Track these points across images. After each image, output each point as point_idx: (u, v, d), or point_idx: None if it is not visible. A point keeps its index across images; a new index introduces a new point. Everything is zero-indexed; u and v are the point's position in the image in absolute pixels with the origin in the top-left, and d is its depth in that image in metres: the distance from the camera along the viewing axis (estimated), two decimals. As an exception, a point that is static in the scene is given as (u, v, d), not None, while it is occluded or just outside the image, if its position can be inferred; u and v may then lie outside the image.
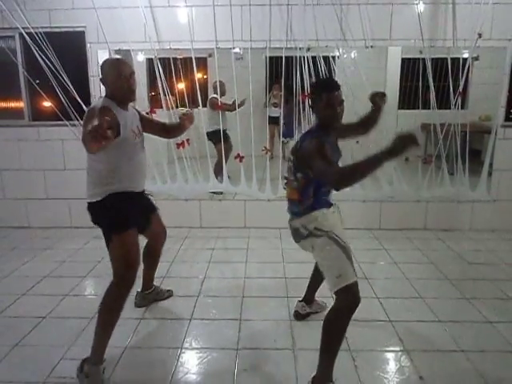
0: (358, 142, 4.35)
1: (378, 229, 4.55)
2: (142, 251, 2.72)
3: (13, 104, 4.69)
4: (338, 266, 1.99)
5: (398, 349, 2.41)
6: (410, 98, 5.78)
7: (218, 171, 4.77)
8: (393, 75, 5.02)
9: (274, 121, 5.34)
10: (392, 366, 2.26)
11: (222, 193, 4.71)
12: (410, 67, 5.06)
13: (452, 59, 4.12)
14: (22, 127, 4.59)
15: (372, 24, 4.12)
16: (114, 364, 2.25)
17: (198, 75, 4.35)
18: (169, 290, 3.08)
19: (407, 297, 3.05)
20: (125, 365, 2.27)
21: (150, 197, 2.68)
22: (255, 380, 2.17)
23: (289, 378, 2.16)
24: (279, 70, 4.23)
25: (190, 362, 2.32)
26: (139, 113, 2.50)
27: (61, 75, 4.10)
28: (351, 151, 3.73)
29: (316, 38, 4.12)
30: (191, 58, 4.20)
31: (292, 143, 4.62)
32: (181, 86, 4.42)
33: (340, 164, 2.27)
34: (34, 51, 4.08)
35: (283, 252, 3.90)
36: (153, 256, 2.84)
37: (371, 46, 4.18)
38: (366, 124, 2.48)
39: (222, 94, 4.95)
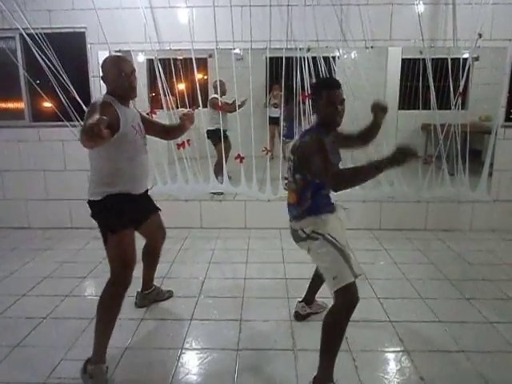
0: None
1: (378, 229, 4.55)
2: (141, 251, 2.75)
3: (13, 105, 4.69)
4: (334, 268, 1.99)
5: (398, 349, 2.40)
6: (410, 98, 5.77)
7: (218, 171, 4.77)
8: (393, 75, 5.01)
9: (274, 121, 5.34)
10: (392, 367, 2.26)
11: (222, 193, 4.71)
12: (411, 67, 5.06)
13: (452, 59, 4.12)
14: (22, 128, 4.59)
15: (372, 24, 4.12)
16: (114, 364, 2.25)
17: (199, 76, 4.35)
18: (169, 291, 3.08)
19: (407, 297, 3.05)
20: (125, 365, 2.27)
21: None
22: (256, 380, 2.17)
23: (289, 378, 2.16)
24: (279, 70, 4.24)
25: (191, 362, 2.31)
26: (140, 114, 2.51)
27: (61, 76, 4.10)
28: (351, 151, 3.74)
29: (316, 38, 4.12)
30: (191, 59, 4.21)
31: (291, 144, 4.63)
32: (181, 86, 4.42)
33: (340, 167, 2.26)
34: (35, 52, 4.09)
35: (283, 252, 3.90)
36: (152, 256, 2.84)
37: (371, 47, 4.18)
38: (365, 137, 2.46)
39: (223, 93, 4.95)
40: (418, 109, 4.40)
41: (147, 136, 2.50)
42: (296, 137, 2.29)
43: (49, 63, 4.08)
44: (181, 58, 4.29)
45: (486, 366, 2.24)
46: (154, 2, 4.17)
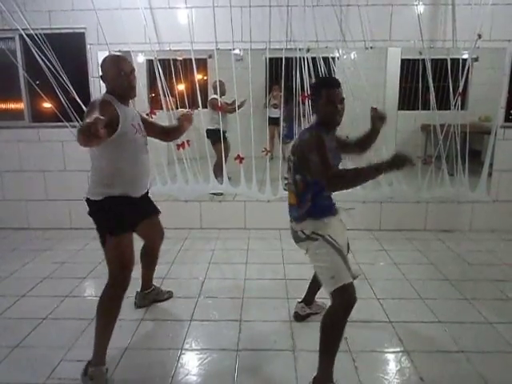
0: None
1: (378, 229, 4.55)
2: (139, 252, 2.75)
3: (13, 105, 4.70)
4: (332, 268, 1.99)
5: (398, 350, 2.40)
6: (409, 98, 5.77)
7: (218, 171, 4.77)
8: (392, 76, 5.01)
9: (273, 122, 5.34)
10: (392, 367, 2.26)
11: (222, 194, 4.71)
12: (410, 68, 5.06)
13: (452, 60, 4.12)
14: (22, 128, 4.59)
15: (372, 25, 4.12)
16: (114, 365, 2.25)
17: (198, 76, 4.35)
18: (169, 291, 3.08)
19: (407, 297, 3.05)
20: (125, 366, 2.27)
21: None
22: (255, 381, 2.17)
23: (289, 379, 2.16)
24: (279, 71, 4.24)
25: (190, 363, 2.31)
26: (140, 115, 2.51)
27: (61, 76, 4.10)
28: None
29: (316, 39, 4.12)
30: (191, 60, 4.21)
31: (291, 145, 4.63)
32: (181, 87, 4.42)
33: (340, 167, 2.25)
34: (34, 52, 4.08)
35: (283, 253, 3.90)
36: (150, 256, 2.84)
37: (371, 47, 4.19)
38: (363, 144, 2.45)
39: (222, 93, 4.95)
40: (418, 109, 4.40)
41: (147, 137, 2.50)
42: (296, 137, 2.29)
43: (48, 64, 4.08)
44: (180, 58, 4.29)
45: (486, 367, 2.23)
46: (154, 2, 4.17)
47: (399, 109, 5.48)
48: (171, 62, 4.24)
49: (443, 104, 4.42)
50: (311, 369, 2.03)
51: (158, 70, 4.20)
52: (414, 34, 4.07)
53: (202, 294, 3.12)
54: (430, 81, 4.13)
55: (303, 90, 4.19)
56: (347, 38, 4.15)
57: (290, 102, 4.47)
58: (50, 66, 4.08)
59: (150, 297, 2.96)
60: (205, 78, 7.14)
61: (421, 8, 4.06)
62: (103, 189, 2.22)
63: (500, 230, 4.48)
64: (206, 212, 4.65)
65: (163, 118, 4.27)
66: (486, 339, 2.51)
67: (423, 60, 4.14)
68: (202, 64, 6.56)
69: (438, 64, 4.46)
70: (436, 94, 4.22)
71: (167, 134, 2.75)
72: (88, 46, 4.31)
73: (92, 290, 3.25)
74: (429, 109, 4.27)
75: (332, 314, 1.97)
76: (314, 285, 2.68)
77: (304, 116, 4.27)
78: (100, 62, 2.31)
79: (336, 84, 2.09)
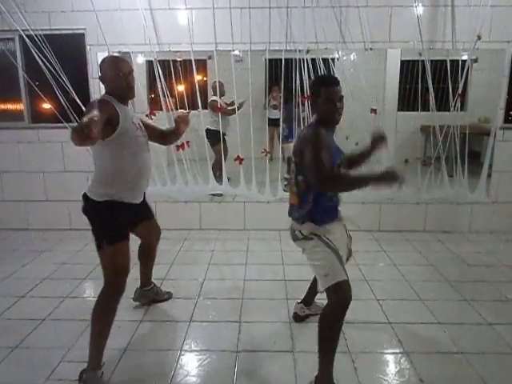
0: (357, 143, 4.37)
1: (378, 230, 4.55)
2: (137, 250, 2.76)
3: (12, 106, 4.70)
4: (325, 266, 2.01)
5: (397, 351, 2.40)
6: (409, 100, 5.78)
7: (216, 169, 4.78)
8: (392, 77, 5.01)
9: (273, 123, 5.35)
10: (392, 368, 2.26)
11: (221, 195, 4.71)
12: (410, 69, 5.06)
13: (451, 61, 4.13)
14: (21, 129, 4.59)
15: (371, 26, 4.13)
16: (113, 366, 2.25)
17: (198, 77, 4.36)
18: (168, 292, 3.08)
19: (406, 299, 3.05)
20: (124, 367, 2.27)
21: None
22: (255, 382, 2.17)
23: (288, 380, 2.16)
24: (279, 72, 4.25)
25: (190, 364, 2.31)
26: (140, 118, 2.52)
27: (60, 77, 4.10)
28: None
29: (315, 40, 4.13)
30: (191, 60, 4.21)
31: (291, 145, 4.63)
32: (180, 88, 4.43)
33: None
34: (34, 53, 4.08)
35: (283, 254, 3.90)
36: (148, 254, 2.85)
37: (370, 49, 4.19)
38: (350, 163, 2.31)
39: (222, 94, 4.96)
40: (417, 110, 4.40)
41: None
42: (295, 138, 2.28)
43: (48, 65, 4.08)
44: (180, 59, 4.30)
45: (486, 368, 2.23)
46: (154, 3, 4.18)
47: (399, 110, 5.47)
48: (171, 63, 4.24)
49: (443, 105, 4.43)
50: (311, 370, 2.03)
51: (158, 71, 4.20)
52: (414, 35, 4.08)
53: (202, 295, 3.11)
54: (429, 82, 4.13)
55: (303, 91, 4.20)
56: (347, 39, 4.15)
57: (290, 103, 4.47)
58: (50, 67, 4.08)
59: (149, 295, 2.96)
60: (204, 78, 7.16)
61: (420, 9, 4.07)
62: (104, 188, 2.21)
63: (499, 231, 4.49)
64: (206, 213, 4.65)
65: (163, 119, 4.28)
66: (485, 340, 2.51)
67: (423, 61, 4.14)
68: (202, 65, 6.58)
69: (438, 65, 4.47)
70: (435, 95, 4.23)
71: (165, 137, 2.75)
72: (88, 47, 4.31)
73: (91, 291, 3.24)
74: (428, 110, 4.28)
75: (328, 313, 1.98)
76: (315, 285, 2.67)
77: (304, 117, 4.28)
78: (99, 62, 2.32)
79: (335, 82, 2.09)
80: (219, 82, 4.84)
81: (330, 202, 2.13)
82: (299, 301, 2.75)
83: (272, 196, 4.50)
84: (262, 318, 2.76)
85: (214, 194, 4.71)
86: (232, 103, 5.22)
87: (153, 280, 3.00)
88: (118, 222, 2.23)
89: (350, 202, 4.24)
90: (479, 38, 4.02)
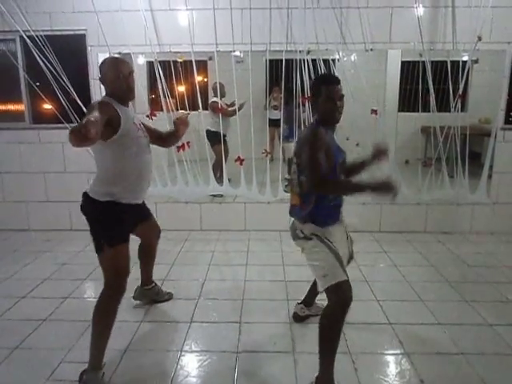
0: (357, 144, 4.38)
1: (378, 231, 4.55)
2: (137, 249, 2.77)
3: (13, 107, 4.70)
4: (325, 266, 2.00)
5: (398, 352, 2.40)
6: (409, 100, 5.79)
7: (216, 169, 4.77)
8: (393, 78, 5.02)
9: (274, 123, 5.35)
10: (392, 369, 2.26)
11: (222, 195, 4.71)
12: (410, 70, 5.08)
13: (452, 62, 4.13)
14: (22, 130, 4.60)
15: (372, 27, 4.13)
16: (113, 367, 2.25)
17: (199, 78, 4.36)
18: (169, 293, 3.08)
19: (407, 299, 3.05)
20: (124, 367, 2.27)
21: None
22: (255, 383, 2.16)
23: (289, 381, 2.16)
24: (279, 72, 4.24)
25: (190, 365, 2.31)
26: (140, 120, 2.52)
27: (61, 78, 4.11)
28: (351, 153, 3.73)
29: (316, 41, 4.13)
30: (191, 61, 4.21)
31: (292, 145, 4.63)
32: (181, 88, 4.43)
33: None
34: (35, 54, 4.09)
35: (283, 254, 3.90)
36: (147, 254, 2.86)
37: (371, 49, 4.19)
38: (353, 171, 2.30)
39: (222, 95, 4.96)
40: (418, 111, 4.40)
41: None
42: (296, 138, 2.29)
43: (49, 65, 4.09)
44: (181, 60, 4.30)
45: (486, 369, 2.23)
46: (154, 4, 4.18)
47: (399, 111, 5.49)
48: (171, 64, 4.25)
49: (443, 106, 4.43)
50: (311, 371, 2.03)
51: (159, 72, 4.20)
52: (414, 36, 4.08)
53: (202, 296, 3.11)
54: (430, 83, 4.13)
55: (303, 92, 4.20)
56: (347, 40, 4.15)
57: (291, 104, 4.48)
58: (51, 68, 4.09)
59: (150, 294, 2.96)
60: (205, 79, 7.17)
61: (421, 10, 4.07)
62: (106, 188, 2.21)
63: (500, 232, 4.48)
64: (206, 214, 4.65)
65: (163, 120, 4.28)
66: (485, 341, 2.51)
67: (423, 62, 4.14)
68: (203, 66, 6.59)
69: (438, 66, 4.47)
70: (436, 95, 4.23)
71: (165, 140, 2.74)
72: (88, 48, 4.32)
73: (92, 292, 3.24)
74: (429, 111, 4.28)
75: (329, 314, 1.97)
76: (315, 287, 2.67)
77: (304, 117, 4.28)
78: (99, 63, 2.32)
79: (335, 81, 2.09)
80: (220, 83, 4.85)
81: (332, 203, 2.12)
82: (299, 301, 2.75)
83: (273, 197, 4.50)
84: (263, 319, 2.76)
85: (214, 195, 4.71)
86: (232, 104, 5.23)
87: (154, 280, 3.00)
88: (119, 224, 2.23)
89: (350, 203, 4.29)
90: (480, 38, 4.02)
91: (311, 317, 2.71)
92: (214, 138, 4.98)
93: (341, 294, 1.95)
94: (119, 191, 2.23)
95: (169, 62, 4.27)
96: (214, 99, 5.27)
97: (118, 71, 2.21)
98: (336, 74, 4.36)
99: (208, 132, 5.28)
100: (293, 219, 2.23)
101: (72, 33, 4.31)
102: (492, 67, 4.67)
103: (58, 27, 4.25)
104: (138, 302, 2.94)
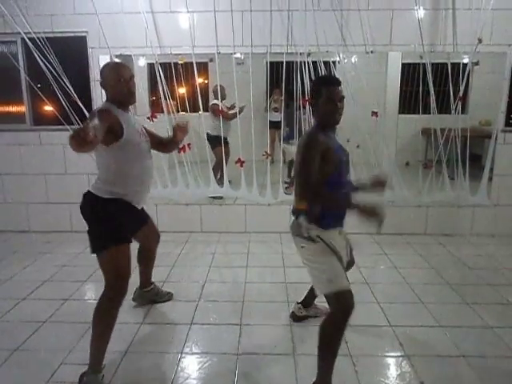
0: (358, 146, 4.38)
1: (379, 233, 4.53)
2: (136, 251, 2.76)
3: (14, 108, 4.71)
4: (330, 271, 1.98)
5: (398, 354, 2.40)
6: (410, 102, 5.79)
7: (217, 171, 4.77)
8: (393, 80, 5.02)
9: (274, 125, 5.35)
10: (393, 372, 2.26)
11: (222, 197, 4.71)
12: (411, 72, 5.08)
13: (452, 64, 4.13)
14: (23, 132, 4.60)
15: (372, 29, 4.13)
16: (113, 369, 2.25)
17: (199, 80, 4.36)
18: (169, 293, 3.08)
19: (408, 301, 3.04)
20: (125, 369, 2.27)
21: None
22: (255, 385, 2.17)
23: (289, 383, 2.15)
24: (280, 75, 4.25)
25: (191, 367, 2.31)
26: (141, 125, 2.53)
27: (62, 80, 4.11)
28: (351, 155, 3.73)
29: (317, 43, 4.13)
30: (192, 63, 4.22)
31: (292, 147, 4.63)
32: (182, 90, 4.43)
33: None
34: (36, 56, 4.10)
35: (284, 256, 3.90)
36: (147, 257, 2.87)
37: (371, 51, 4.19)
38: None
39: (223, 98, 4.96)
40: (418, 113, 4.41)
41: None
42: (296, 140, 2.29)
43: (50, 67, 4.09)
44: (181, 62, 4.30)
45: (487, 371, 2.23)
46: (155, 6, 4.19)
47: (400, 113, 5.49)
48: (172, 66, 4.25)
49: (444, 108, 4.42)
50: (311, 373, 2.02)
51: (159, 74, 4.21)
52: (415, 38, 4.08)
53: (203, 298, 3.11)
54: (430, 85, 4.13)
55: (304, 94, 4.20)
56: (348, 42, 4.16)
57: (291, 106, 4.48)
58: (52, 70, 4.10)
59: (149, 296, 2.96)
60: (206, 81, 7.17)
61: (421, 12, 4.07)
62: (108, 187, 2.22)
63: (500, 235, 4.48)
64: (207, 215, 4.65)
65: (164, 122, 4.28)
66: (486, 344, 2.50)
67: (424, 64, 4.15)
68: (203, 68, 6.59)
69: (439, 68, 4.47)
70: (436, 98, 4.23)
71: (165, 145, 2.74)
72: (89, 50, 4.32)
73: (92, 294, 3.24)
74: (429, 113, 4.28)
75: (331, 322, 1.95)
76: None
77: (305, 119, 4.28)
78: (100, 68, 2.33)
79: (336, 82, 2.08)
80: (220, 85, 4.85)
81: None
82: (299, 301, 2.75)
83: (273, 198, 4.50)
84: (263, 321, 2.76)
85: (214, 197, 4.70)
86: (232, 106, 5.23)
87: (153, 281, 3.00)
88: (120, 223, 2.23)
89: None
90: (480, 41, 4.03)
91: (310, 318, 2.71)
92: (215, 141, 4.98)
93: (343, 301, 1.93)
94: (120, 191, 2.24)
95: (169, 63, 4.27)
96: (215, 101, 5.27)
97: (118, 75, 2.22)
98: (336, 75, 4.37)
99: (208, 136, 5.28)
100: (299, 217, 2.20)
101: (73, 35, 4.32)
102: (492, 69, 4.67)
103: (59, 29, 4.26)
104: (136, 303, 2.94)
